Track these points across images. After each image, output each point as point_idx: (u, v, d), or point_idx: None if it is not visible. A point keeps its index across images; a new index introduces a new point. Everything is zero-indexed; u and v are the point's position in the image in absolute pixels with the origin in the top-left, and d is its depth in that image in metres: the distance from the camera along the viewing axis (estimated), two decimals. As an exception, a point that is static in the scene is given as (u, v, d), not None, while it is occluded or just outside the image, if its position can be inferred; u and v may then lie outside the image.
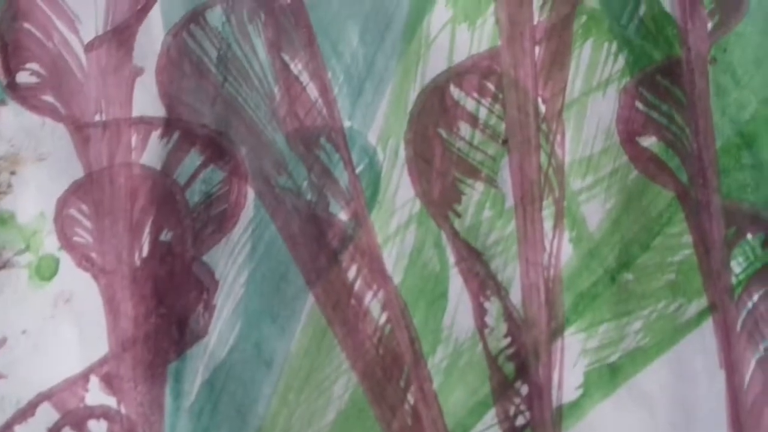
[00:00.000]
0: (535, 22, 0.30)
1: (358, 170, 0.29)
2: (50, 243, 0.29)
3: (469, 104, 0.30)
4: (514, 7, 0.30)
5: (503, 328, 0.28)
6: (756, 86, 0.29)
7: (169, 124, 0.29)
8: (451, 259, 0.29)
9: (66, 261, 0.29)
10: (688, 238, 0.28)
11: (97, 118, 0.29)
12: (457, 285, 0.29)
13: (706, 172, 0.29)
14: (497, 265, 0.29)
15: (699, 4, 0.30)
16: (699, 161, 0.29)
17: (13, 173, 0.29)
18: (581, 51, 0.30)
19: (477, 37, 0.30)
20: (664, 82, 0.29)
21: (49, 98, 0.30)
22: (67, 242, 0.29)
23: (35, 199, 0.29)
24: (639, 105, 0.29)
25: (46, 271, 0.28)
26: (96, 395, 0.28)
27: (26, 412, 0.28)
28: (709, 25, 0.30)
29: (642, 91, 0.29)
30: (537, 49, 0.30)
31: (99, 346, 0.28)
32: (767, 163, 0.29)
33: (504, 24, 0.30)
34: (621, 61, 0.30)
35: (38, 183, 0.29)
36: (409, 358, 0.28)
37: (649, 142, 0.29)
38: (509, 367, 0.28)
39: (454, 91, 0.30)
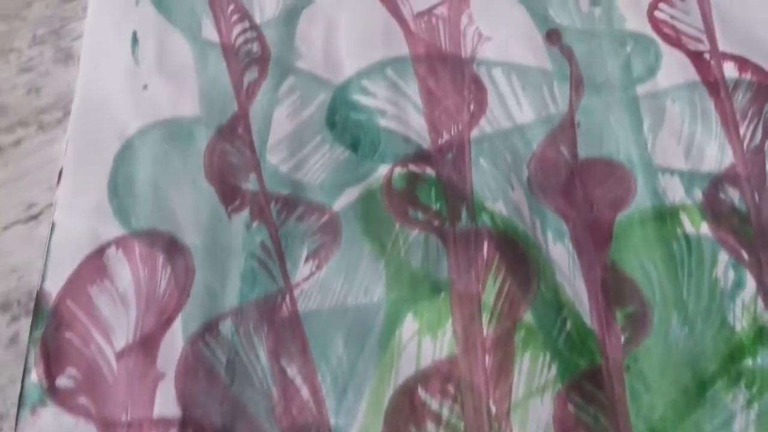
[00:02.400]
0: (484, 334, 0.37)
1: (342, 465, 0.35)
2: None
3: (434, 405, 0.36)
4: (467, 320, 0.38)
5: None
6: (663, 391, 0.36)
7: (184, 424, 0.35)
8: None
9: None
10: None
11: (123, 418, 0.35)
12: None
13: (627, 465, 0.35)
14: None
15: (613, 321, 0.38)
16: (621, 456, 0.35)
17: (47, 466, 0.34)
18: (522, 361, 0.37)
19: (439, 346, 0.37)
20: (589, 388, 0.36)
21: (83, 400, 0.35)
22: None
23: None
24: (570, 408, 0.36)
25: None
26: None
27: None
28: (622, 339, 0.37)
29: (572, 396, 0.36)
30: (487, 357, 0.37)
31: None
32: (676, 455, 0.35)
33: (459, 335, 0.37)
34: (554, 369, 0.37)
35: (69, 476, 0.34)
36: None
37: (580, 439, 0.36)
38: None
39: (422, 392, 0.36)
